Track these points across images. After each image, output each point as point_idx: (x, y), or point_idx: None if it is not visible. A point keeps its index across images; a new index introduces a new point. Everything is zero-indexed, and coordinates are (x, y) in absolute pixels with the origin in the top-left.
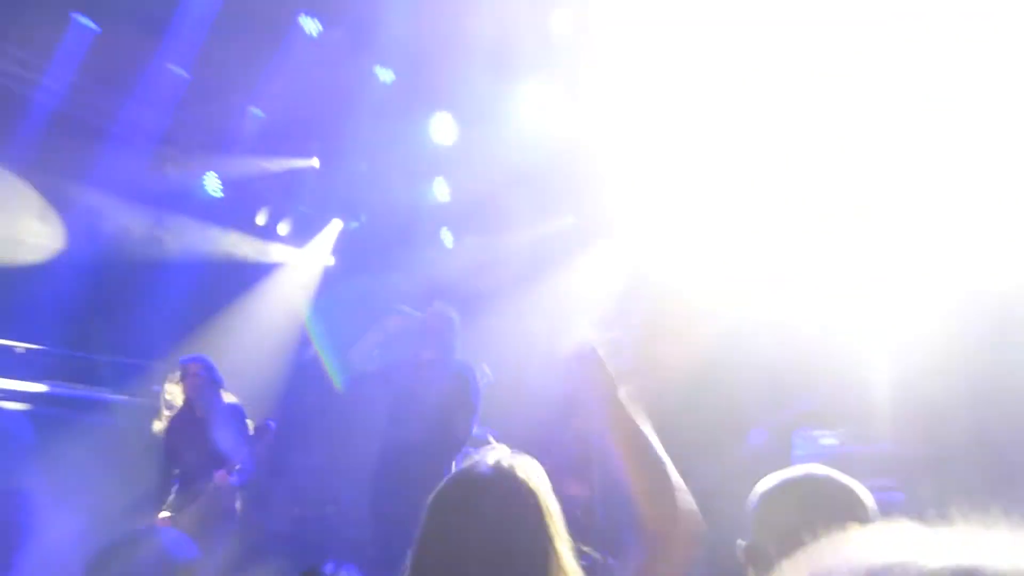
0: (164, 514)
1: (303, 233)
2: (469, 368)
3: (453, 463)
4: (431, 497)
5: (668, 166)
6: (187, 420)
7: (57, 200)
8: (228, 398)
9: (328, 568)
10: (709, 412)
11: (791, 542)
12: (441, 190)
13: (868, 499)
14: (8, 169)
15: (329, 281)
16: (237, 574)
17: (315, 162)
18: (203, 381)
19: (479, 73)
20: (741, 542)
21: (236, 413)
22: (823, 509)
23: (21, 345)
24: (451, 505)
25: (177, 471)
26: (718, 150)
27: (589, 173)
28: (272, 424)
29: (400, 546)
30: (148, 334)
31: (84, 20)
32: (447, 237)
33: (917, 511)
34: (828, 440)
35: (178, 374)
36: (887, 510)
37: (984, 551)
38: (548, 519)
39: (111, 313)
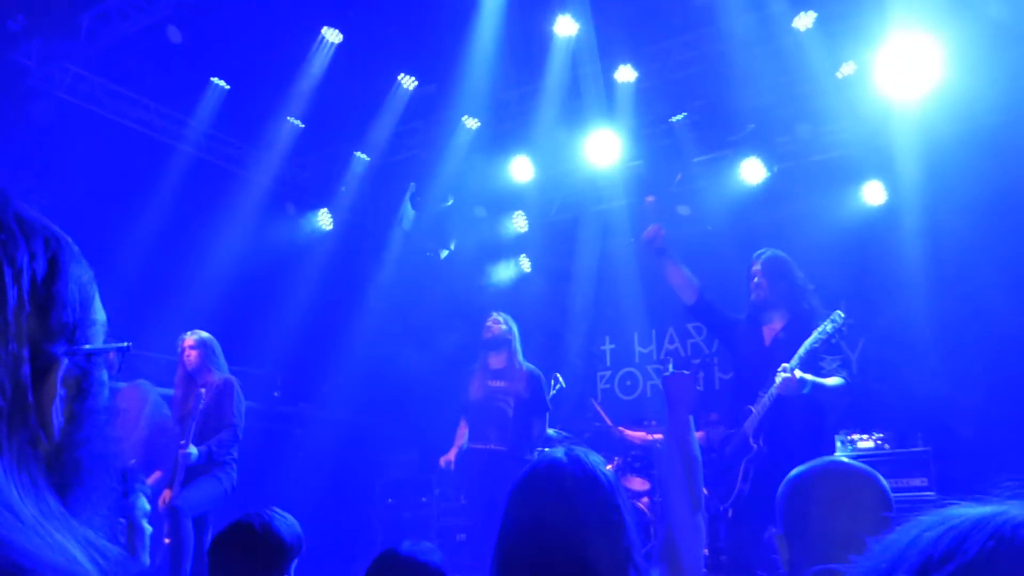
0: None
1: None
2: (538, 373)
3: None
4: (516, 483)
5: None
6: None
7: (196, 231)
8: (220, 375)
9: (404, 547)
10: None
11: (816, 531)
12: (520, 222)
13: (885, 486)
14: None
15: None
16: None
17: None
18: (196, 356)
19: (552, 120)
20: (774, 530)
21: (224, 388)
22: (843, 498)
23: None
24: (533, 488)
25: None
26: None
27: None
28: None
29: (486, 533)
30: (272, 346)
31: (218, 81)
32: (525, 262)
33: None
34: (866, 443)
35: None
36: (920, 509)
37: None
38: (617, 501)
39: (243, 327)
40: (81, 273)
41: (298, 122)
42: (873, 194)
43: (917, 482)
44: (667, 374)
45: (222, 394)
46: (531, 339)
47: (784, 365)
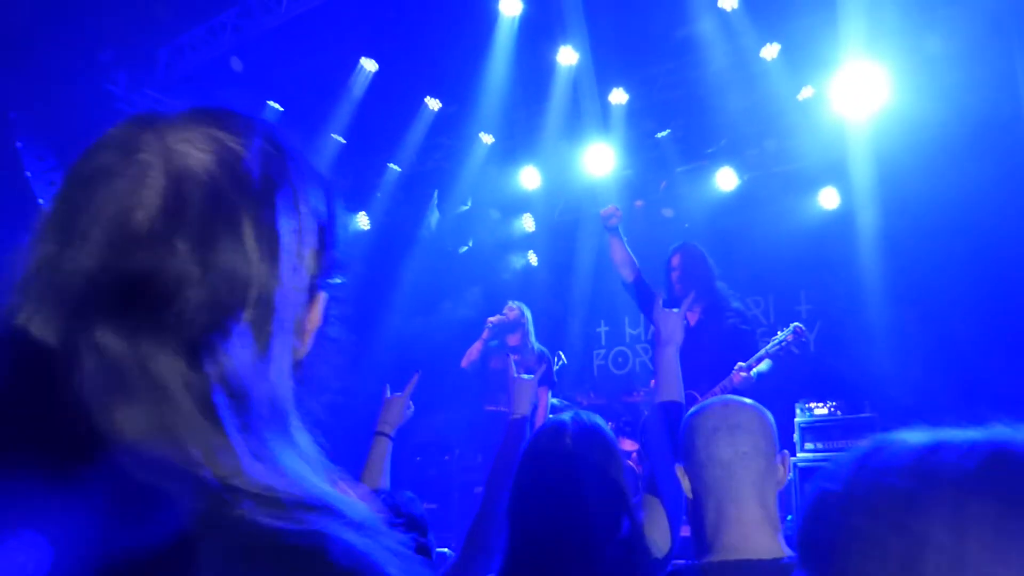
0: None
1: (428, 253)
2: (546, 352)
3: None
4: (528, 441)
5: None
6: None
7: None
8: None
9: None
10: None
11: (702, 454)
12: (528, 222)
13: (767, 416)
14: None
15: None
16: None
17: (435, 201)
18: None
19: (555, 135)
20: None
21: None
22: (725, 423)
23: None
24: (542, 445)
25: None
26: None
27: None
28: None
29: (501, 487)
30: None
31: (273, 104)
32: (533, 257)
33: None
34: (821, 410)
35: None
36: None
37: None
38: (615, 457)
39: None
40: (345, 220)
41: (340, 138)
42: (829, 199)
43: (864, 443)
44: (660, 310)
45: None
46: (537, 322)
47: (740, 364)
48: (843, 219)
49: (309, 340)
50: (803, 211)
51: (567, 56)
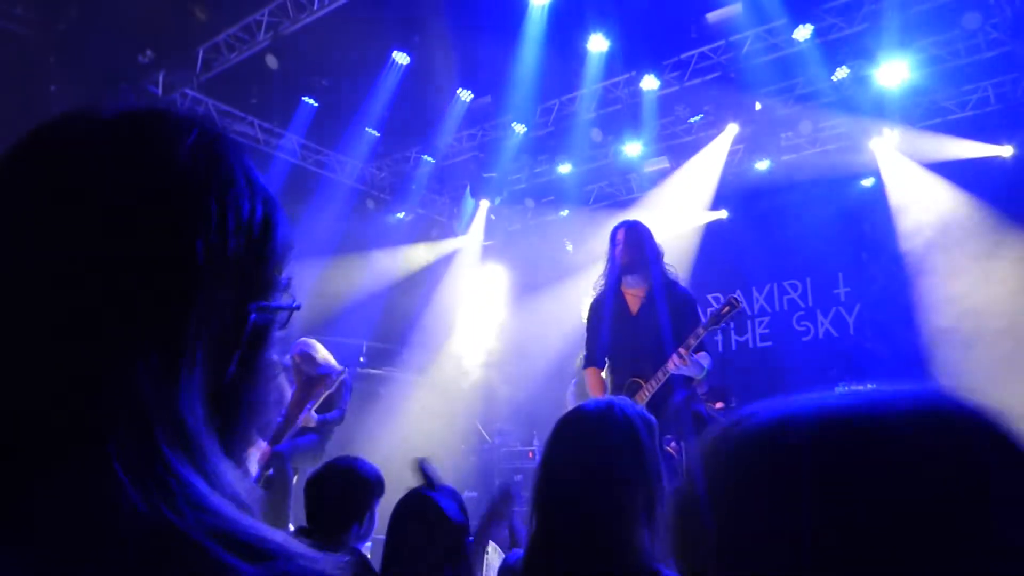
0: None
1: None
2: None
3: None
4: (558, 423)
5: None
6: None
7: (294, 226)
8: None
9: (424, 488)
10: None
11: None
12: (562, 211)
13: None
14: None
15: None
16: None
17: (468, 191)
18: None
19: (587, 123)
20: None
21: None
22: None
23: None
24: (561, 428)
25: None
26: None
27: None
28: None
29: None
30: (358, 320)
31: (308, 99)
32: (568, 245)
33: None
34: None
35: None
36: None
37: None
38: (636, 444)
39: (333, 305)
40: (287, 235)
41: (375, 132)
42: (866, 180)
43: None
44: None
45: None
46: (573, 309)
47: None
48: (880, 200)
49: (244, 365)
50: (840, 193)
51: (598, 43)
